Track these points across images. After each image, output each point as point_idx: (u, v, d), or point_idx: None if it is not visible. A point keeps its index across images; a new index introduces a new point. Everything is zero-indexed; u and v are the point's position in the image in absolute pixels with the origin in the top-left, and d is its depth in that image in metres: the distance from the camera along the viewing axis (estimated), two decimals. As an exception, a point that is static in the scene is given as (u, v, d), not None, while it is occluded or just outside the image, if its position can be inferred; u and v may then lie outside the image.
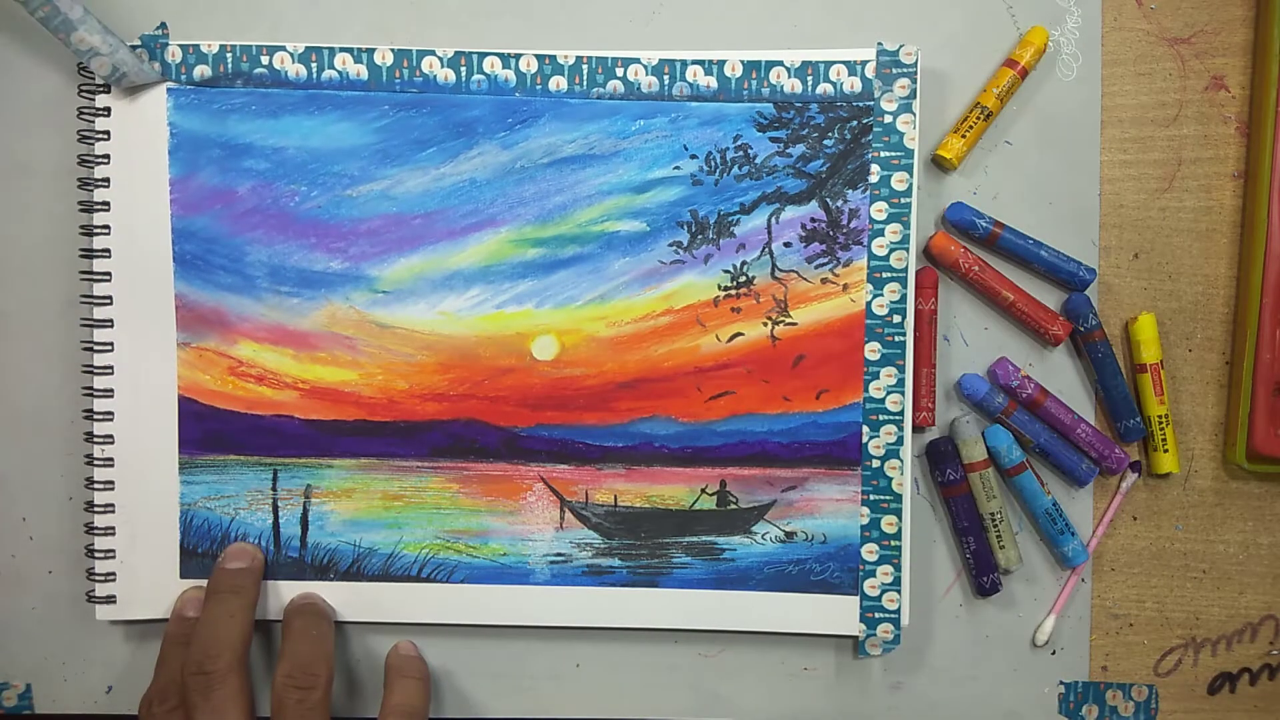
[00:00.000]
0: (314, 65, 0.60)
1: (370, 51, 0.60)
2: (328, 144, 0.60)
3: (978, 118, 0.61)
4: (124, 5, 0.61)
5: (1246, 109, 0.63)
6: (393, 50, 0.60)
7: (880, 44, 0.60)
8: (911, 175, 0.60)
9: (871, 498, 0.61)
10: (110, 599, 0.61)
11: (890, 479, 0.61)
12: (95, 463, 0.61)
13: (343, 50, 0.60)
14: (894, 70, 0.60)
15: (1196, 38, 0.63)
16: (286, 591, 0.62)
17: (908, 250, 0.60)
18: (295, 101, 0.60)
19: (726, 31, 0.62)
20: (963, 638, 0.63)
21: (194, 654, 0.57)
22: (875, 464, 0.61)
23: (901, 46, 0.59)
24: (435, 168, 0.60)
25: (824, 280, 0.60)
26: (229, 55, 0.60)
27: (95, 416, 0.61)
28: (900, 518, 0.61)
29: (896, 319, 0.60)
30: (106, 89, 0.60)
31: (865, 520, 0.61)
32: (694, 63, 0.60)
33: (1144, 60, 0.63)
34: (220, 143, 0.60)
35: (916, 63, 0.59)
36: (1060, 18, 0.62)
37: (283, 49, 0.60)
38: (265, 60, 0.60)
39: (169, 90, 0.60)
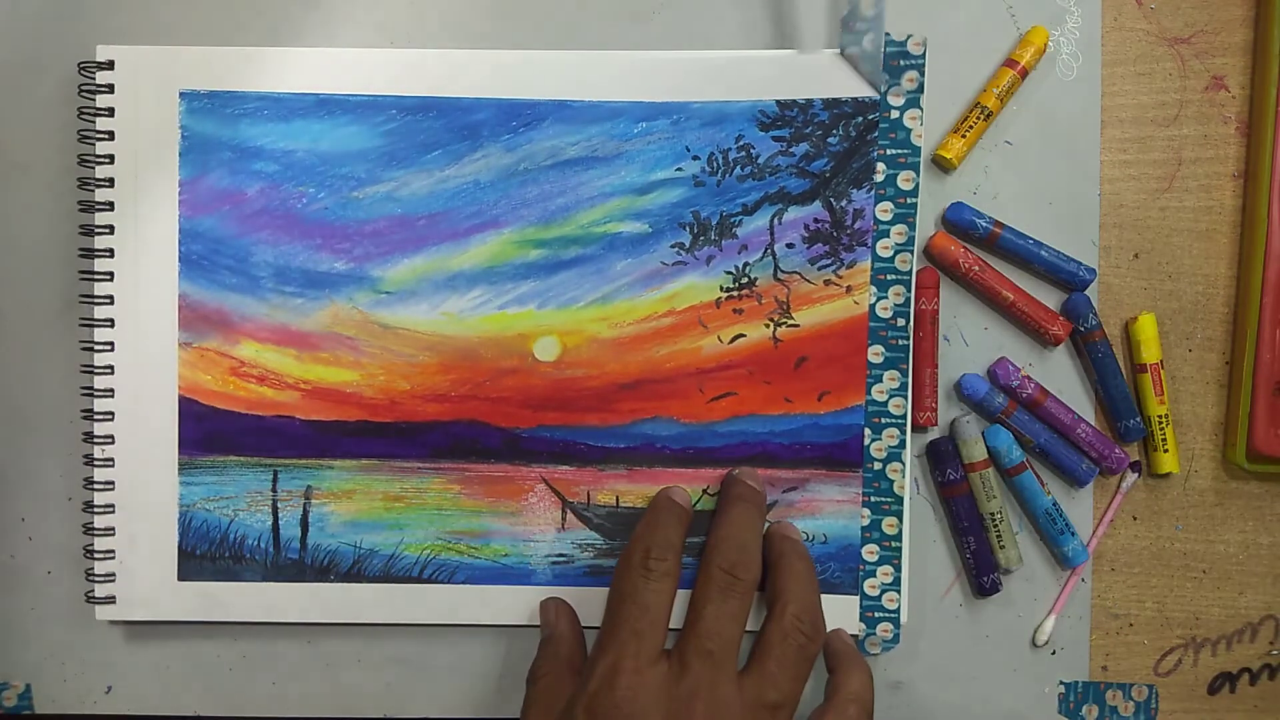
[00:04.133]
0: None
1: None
2: (336, 147, 0.60)
3: (978, 118, 0.61)
4: (127, 5, 0.61)
5: (1246, 109, 0.63)
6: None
7: (888, 34, 0.59)
8: (918, 174, 0.59)
9: (873, 499, 0.61)
10: (110, 599, 0.61)
11: (892, 481, 0.61)
12: (95, 463, 0.61)
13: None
14: (901, 63, 0.59)
15: (1196, 38, 0.63)
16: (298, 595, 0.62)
17: (911, 253, 0.60)
18: (306, 106, 0.60)
19: (726, 31, 0.62)
20: (963, 638, 0.63)
21: (728, 551, 0.57)
22: (877, 466, 0.61)
23: (910, 37, 0.59)
24: (440, 170, 0.60)
25: (827, 282, 0.60)
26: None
27: (95, 416, 0.61)
28: (901, 520, 0.61)
29: (900, 322, 0.60)
30: (109, 89, 0.60)
31: (866, 521, 0.61)
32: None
33: (1144, 60, 0.63)
34: (231, 145, 0.60)
35: (925, 54, 0.59)
36: (1060, 18, 0.62)
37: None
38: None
39: (181, 94, 0.60)
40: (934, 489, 0.63)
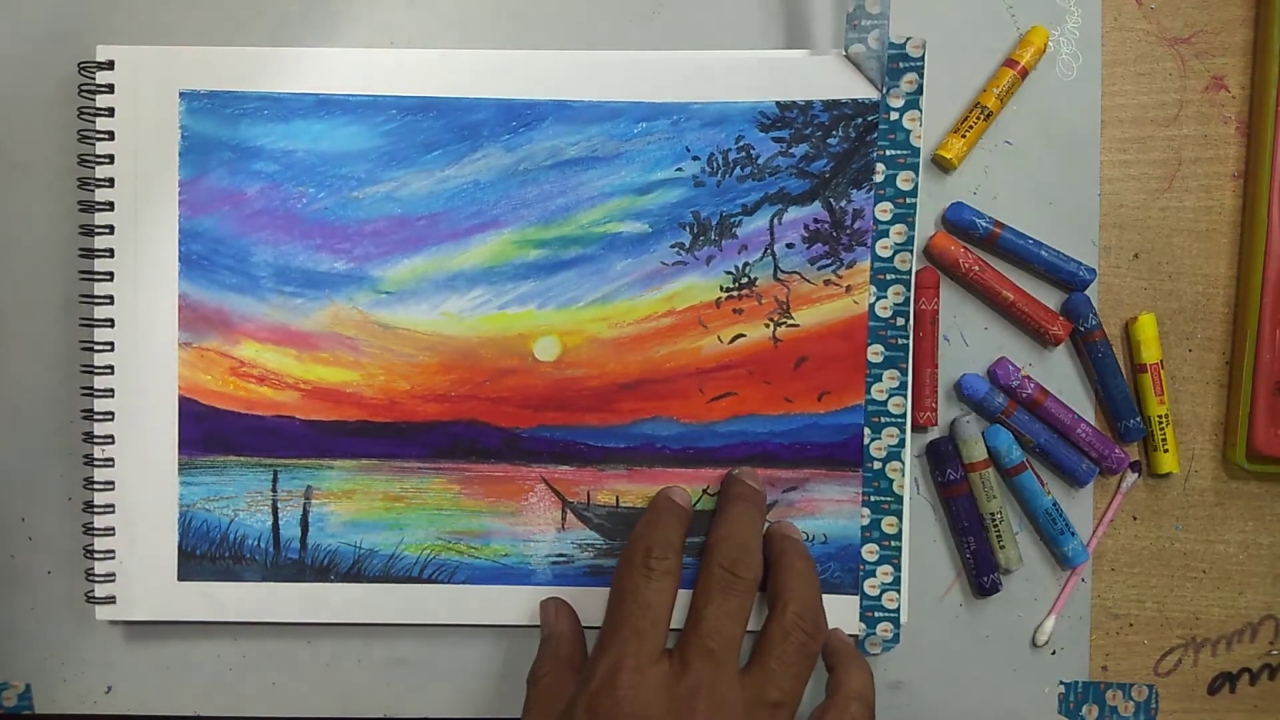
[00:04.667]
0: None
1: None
2: (336, 147, 0.60)
3: (978, 118, 0.61)
4: (127, 5, 0.61)
5: (1246, 109, 0.63)
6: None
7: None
8: (917, 175, 0.59)
9: (872, 499, 0.61)
10: (110, 599, 0.61)
11: (891, 481, 0.61)
12: (95, 463, 0.61)
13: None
14: (901, 65, 0.59)
15: (1196, 38, 0.63)
16: (291, 595, 0.62)
17: (911, 252, 0.60)
18: (306, 106, 0.60)
19: (726, 31, 0.62)
20: (963, 638, 0.63)
21: (729, 549, 0.57)
22: (876, 466, 0.61)
23: (909, 39, 0.59)
24: (440, 170, 0.60)
25: (827, 282, 0.60)
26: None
27: (95, 416, 0.61)
28: (901, 519, 0.61)
29: (900, 322, 0.60)
30: (109, 89, 0.60)
31: (866, 521, 0.61)
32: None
33: (1144, 60, 0.63)
34: (231, 145, 0.60)
35: (924, 56, 0.59)
36: (1060, 18, 0.62)
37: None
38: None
39: (181, 94, 0.60)
40: (934, 489, 0.63)
